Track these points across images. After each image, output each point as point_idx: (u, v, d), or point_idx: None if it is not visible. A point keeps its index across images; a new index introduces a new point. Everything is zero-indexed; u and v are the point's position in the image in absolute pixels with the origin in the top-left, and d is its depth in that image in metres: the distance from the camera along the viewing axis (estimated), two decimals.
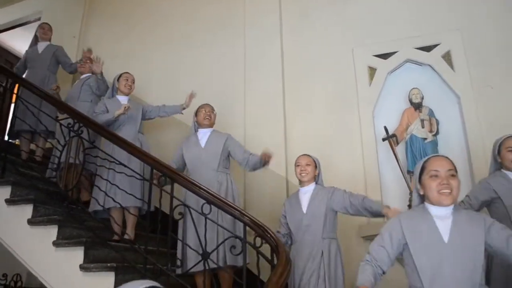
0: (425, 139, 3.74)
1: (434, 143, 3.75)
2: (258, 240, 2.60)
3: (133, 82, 4.09)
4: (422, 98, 3.91)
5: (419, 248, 1.83)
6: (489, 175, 3.00)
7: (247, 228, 2.76)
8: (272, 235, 2.54)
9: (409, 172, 3.70)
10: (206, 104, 3.82)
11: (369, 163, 3.94)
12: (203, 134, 3.71)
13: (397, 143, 3.85)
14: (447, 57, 4.03)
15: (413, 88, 3.94)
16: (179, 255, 3.01)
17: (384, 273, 1.94)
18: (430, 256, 1.79)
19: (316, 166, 3.27)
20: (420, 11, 4.27)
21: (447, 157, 1.92)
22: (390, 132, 3.85)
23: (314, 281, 2.90)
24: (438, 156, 1.96)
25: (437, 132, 3.80)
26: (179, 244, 3.07)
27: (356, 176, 3.92)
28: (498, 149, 2.92)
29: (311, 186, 3.22)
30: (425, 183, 1.89)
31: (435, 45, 4.09)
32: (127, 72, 4.10)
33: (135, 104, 4.02)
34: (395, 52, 4.18)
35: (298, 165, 3.25)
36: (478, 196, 2.86)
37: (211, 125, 3.76)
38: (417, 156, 3.68)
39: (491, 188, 2.83)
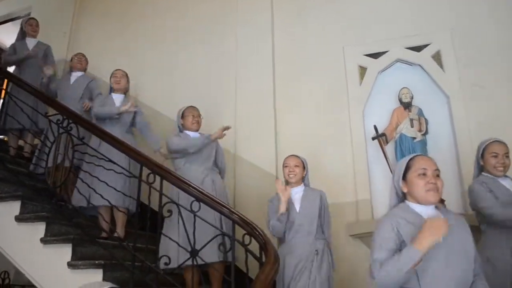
0: (414, 138, 3.75)
1: (423, 143, 3.77)
2: (247, 238, 2.61)
3: (123, 77, 4.07)
4: (412, 98, 3.92)
5: None
6: (474, 177, 3.00)
7: None
8: (261, 232, 2.55)
9: None
10: (193, 107, 3.79)
11: (359, 162, 3.95)
12: (194, 134, 3.70)
13: (387, 142, 3.87)
14: (437, 57, 4.05)
15: (403, 88, 3.95)
16: (166, 252, 2.99)
17: None
18: (427, 254, 1.73)
19: (304, 167, 3.27)
20: (410, 11, 4.30)
21: (430, 157, 1.95)
22: (380, 131, 3.88)
23: (305, 280, 2.91)
24: (423, 156, 1.98)
25: (426, 132, 3.82)
26: (166, 240, 3.05)
27: (345, 175, 3.94)
28: (482, 153, 2.93)
29: (301, 187, 3.24)
30: (412, 181, 1.88)
31: (426, 45, 4.11)
32: (116, 69, 4.09)
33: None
34: (385, 52, 4.20)
35: (286, 166, 3.25)
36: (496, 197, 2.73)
37: (198, 129, 3.77)
38: (406, 155, 3.68)
39: (489, 188, 2.79)
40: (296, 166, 3.23)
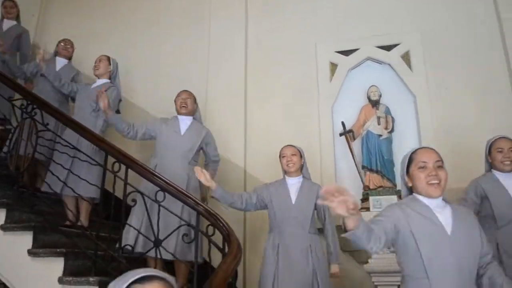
0: (381, 136, 3.82)
1: (389, 140, 3.83)
2: (211, 229, 2.63)
3: (101, 61, 3.97)
4: (380, 96, 3.98)
5: (424, 236, 1.79)
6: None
7: None
8: (225, 224, 2.56)
9: (364, 167, 3.78)
10: (183, 91, 3.73)
11: (326, 157, 4.02)
12: (183, 121, 3.62)
13: (354, 139, 3.93)
14: (406, 57, 4.14)
15: (372, 86, 4.01)
16: (131, 241, 2.97)
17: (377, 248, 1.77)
18: (434, 245, 1.77)
19: (301, 156, 3.27)
20: (382, 11, 4.37)
21: (433, 149, 1.94)
22: (348, 128, 3.94)
23: (301, 273, 2.92)
24: (425, 148, 1.96)
25: (392, 130, 3.87)
26: (130, 229, 3.03)
27: (312, 169, 3.92)
28: (489, 150, 3.00)
29: (299, 179, 3.23)
30: (413, 175, 1.89)
31: (395, 45, 4.20)
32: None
33: (109, 87, 3.89)
34: (356, 50, 4.26)
35: (283, 156, 3.23)
36: (473, 197, 2.92)
37: (189, 113, 3.66)
38: (372, 152, 3.75)
39: (481, 186, 2.91)
40: (293, 155, 3.20)
